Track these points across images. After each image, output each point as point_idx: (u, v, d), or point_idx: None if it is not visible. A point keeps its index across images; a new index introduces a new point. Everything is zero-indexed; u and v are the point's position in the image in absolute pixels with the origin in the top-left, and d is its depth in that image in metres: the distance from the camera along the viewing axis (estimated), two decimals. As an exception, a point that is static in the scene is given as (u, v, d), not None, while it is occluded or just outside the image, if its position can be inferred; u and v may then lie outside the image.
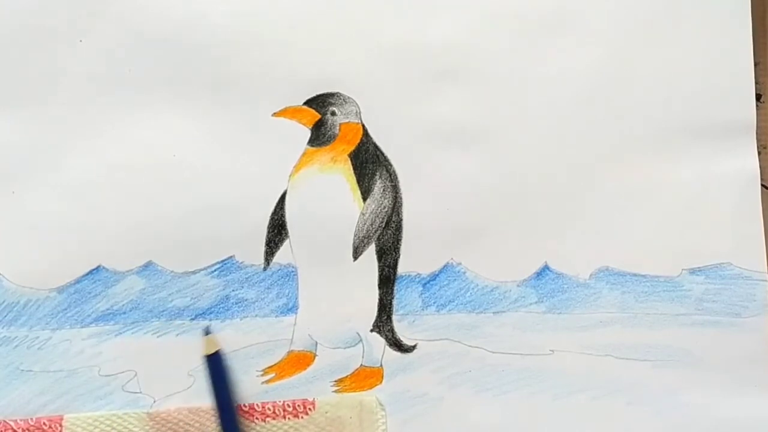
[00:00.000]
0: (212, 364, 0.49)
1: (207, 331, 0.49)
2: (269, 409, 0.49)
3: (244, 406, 0.49)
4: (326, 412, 0.49)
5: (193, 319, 0.50)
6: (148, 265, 0.50)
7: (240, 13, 0.51)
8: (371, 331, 0.51)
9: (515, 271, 0.51)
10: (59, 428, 0.48)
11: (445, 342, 0.51)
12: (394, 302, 0.51)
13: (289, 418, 0.49)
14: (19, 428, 0.48)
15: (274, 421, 0.49)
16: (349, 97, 0.51)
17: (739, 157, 0.52)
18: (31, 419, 0.48)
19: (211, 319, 0.50)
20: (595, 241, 0.52)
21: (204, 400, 0.49)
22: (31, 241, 0.50)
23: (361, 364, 0.51)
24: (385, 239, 0.51)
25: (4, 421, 0.48)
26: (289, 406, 0.49)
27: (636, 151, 0.52)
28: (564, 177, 0.52)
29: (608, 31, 0.52)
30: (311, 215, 0.51)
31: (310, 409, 0.49)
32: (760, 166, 0.52)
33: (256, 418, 0.49)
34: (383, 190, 0.51)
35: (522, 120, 0.52)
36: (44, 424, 0.48)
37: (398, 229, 0.51)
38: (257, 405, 0.49)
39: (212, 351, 0.49)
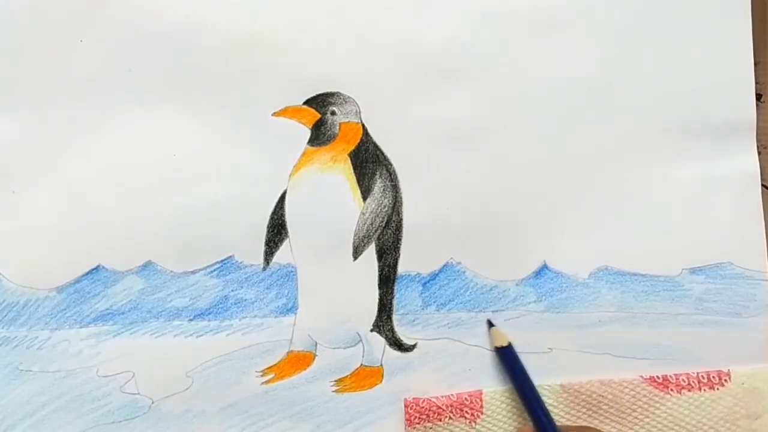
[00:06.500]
0: (506, 355, 0.49)
1: (491, 324, 0.49)
2: (683, 380, 0.49)
3: (657, 377, 0.49)
4: (743, 383, 0.48)
5: (191, 320, 0.49)
6: (147, 265, 0.49)
7: (240, 14, 0.50)
8: (371, 330, 0.50)
9: (514, 270, 0.51)
10: (480, 402, 0.48)
11: (445, 341, 0.50)
12: (394, 302, 0.50)
13: (704, 390, 0.48)
14: (441, 404, 0.48)
15: (690, 393, 0.48)
16: (349, 97, 0.50)
17: (739, 157, 0.51)
18: (453, 395, 0.48)
19: (210, 320, 0.49)
20: (594, 240, 0.51)
21: (205, 401, 0.48)
22: (31, 241, 0.49)
23: (361, 364, 0.50)
24: (385, 239, 0.50)
25: (428, 399, 0.48)
26: (703, 378, 0.48)
27: (636, 150, 0.51)
28: (563, 176, 0.51)
29: (608, 31, 0.51)
30: (311, 215, 0.50)
31: (725, 380, 0.48)
32: (760, 166, 0.51)
33: (671, 390, 0.48)
34: (383, 190, 0.50)
35: (522, 120, 0.51)
36: (466, 399, 0.48)
37: (398, 228, 0.50)
38: (671, 377, 0.49)
39: (504, 344, 0.49)
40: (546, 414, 0.47)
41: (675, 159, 0.51)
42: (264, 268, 0.49)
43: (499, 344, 0.49)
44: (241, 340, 0.49)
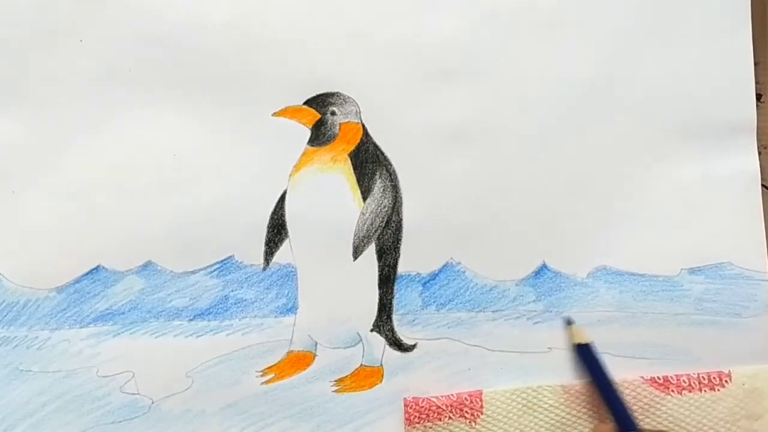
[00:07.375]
0: (586, 353, 0.49)
1: (569, 321, 0.49)
2: (684, 381, 0.48)
3: (658, 378, 0.49)
4: (743, 384, 0.48)
5: (191, 320, 0.49)
6: (147, 265, 0.49)
7: (240, 14, 0.49)
8: (371, 330, 0.49)
9: (514, 270, 0.50)
10: (480, 402, 0.48)
11: (445, 341, 0.50)
12: (394, 302, 0.50)
13: (705, 391, 0.48)
14: (441, 404, 0.48)
15: (690, 394, 0.48)
16: (349, 97, 0.50)
17: (739, 157, 0.51)
18: (453, 395, 0.48)
19: (210, 320, 0.49)
20: (593, 240, 0.50)
21: (205, 401, 0.48)
22: (31, 241, 0.48)
23: (361, 364, 0.49)
24: (385, 239, 0.50)
25: (428, 399, 0.48)
26: (704, 378, 0.48)
27: (636, 150, 0.51)
28: (563, 176, 0.51)
29: (608, 31, 0.51)
30: (311, 215, 0.49)
31: (726, 381, 0.48)
32: (760, 166, 0.51)
33: (672, 391, 0.48)
34: (383, 190, 0.50)
35: (521, 120, 0.50)
36: (465, 399, 0.48)
37: (398, 228, 0.50)
38: (672, 377, 0.49)
39: (585, 341, 0.49)
40: (628, 411, 0.47)
41: (675, 159, 0.50)
42: (264, 268, 0.49)
43: (579, 341, 0.49)
44: (241, 340, 0.48)
